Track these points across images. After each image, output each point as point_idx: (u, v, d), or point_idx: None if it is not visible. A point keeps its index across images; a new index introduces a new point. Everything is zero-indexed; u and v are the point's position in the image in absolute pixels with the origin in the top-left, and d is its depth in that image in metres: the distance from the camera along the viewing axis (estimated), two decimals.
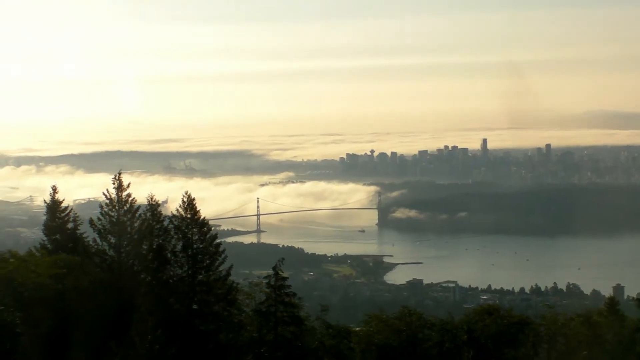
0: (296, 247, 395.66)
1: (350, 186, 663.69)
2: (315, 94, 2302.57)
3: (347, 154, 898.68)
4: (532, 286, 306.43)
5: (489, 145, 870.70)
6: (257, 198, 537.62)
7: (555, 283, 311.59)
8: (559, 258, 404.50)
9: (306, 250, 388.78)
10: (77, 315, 62.38)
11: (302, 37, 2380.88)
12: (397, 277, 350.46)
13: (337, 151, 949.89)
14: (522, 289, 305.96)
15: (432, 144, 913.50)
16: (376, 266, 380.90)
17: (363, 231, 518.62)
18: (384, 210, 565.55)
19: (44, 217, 77.85)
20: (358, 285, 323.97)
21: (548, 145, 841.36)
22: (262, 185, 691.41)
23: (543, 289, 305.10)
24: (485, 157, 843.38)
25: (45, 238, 76.03)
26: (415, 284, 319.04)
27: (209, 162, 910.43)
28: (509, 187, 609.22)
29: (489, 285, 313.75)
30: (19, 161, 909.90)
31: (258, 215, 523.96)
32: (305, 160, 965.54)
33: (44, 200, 79.36)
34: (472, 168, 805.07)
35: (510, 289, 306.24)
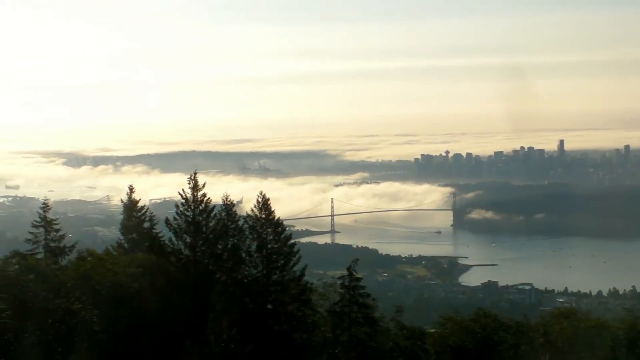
0: (370, 247, 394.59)
1: (424, 187, 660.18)
2: (390, 94, 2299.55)
3: (422, 155, 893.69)
4: (609, 289, 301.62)
5: (566, 146, 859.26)
6: (332, 198, 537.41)
7: (633, 286, 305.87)
8: (637, 261, 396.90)
9: (380, 251, 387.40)
10: (153, 314, 62.95)
11: (378, 37, 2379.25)
12: (472, 279, 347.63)
13: (411, 152, 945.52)
14: (599, 292, 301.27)
15: (508, 145, 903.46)
16: (451, 267, 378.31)
17: (439, 232, 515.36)
18: (458, 211, 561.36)
19: (121, 217, 78.73)
20: (432, 287, 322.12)
21: (627, 146, 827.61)
22: (337, 185, 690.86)
23: (621, 292, 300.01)
24: (562, 158, 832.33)
25: (122, 237, 76.93)
26: (490, 286, 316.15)
27: (283, 162, 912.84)
28: (586, 189, 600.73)
29: (566, 288, 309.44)
30: (96, 161, 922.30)
31: (332, 215, 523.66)
32: (379, 160, 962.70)
33: (121, 200, 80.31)
34: (549, 169, 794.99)
35: (587, 291, 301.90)
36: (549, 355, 64.99)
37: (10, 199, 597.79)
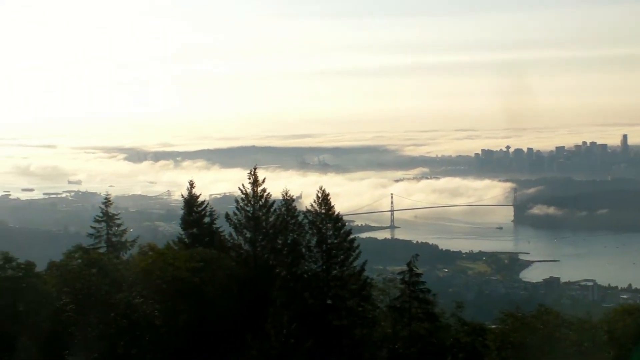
0: (430, 243, 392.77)
1: (485, 182, 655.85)
2: (450, 88, 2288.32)
3: (482, 150, 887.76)
4: None
5: (630, 141, 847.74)
6: (391, 194, 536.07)
7: None
8: None
9: (440, 247, 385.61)
10: (214, 309, 63.23)
11: (437, 31, 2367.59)
12: (533, 275, 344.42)
13: (472, 147, 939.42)
14: None
15: (570, 140, 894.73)
16: (512, 263, 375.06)
17: (501, 228, 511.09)
18: (519, 206, 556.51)
19: (181, 212, 79.26)
20: (493, 283, 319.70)
21: None
22: (396, 180, 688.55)
23: None
24: (626, 153, 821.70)
25: (182, 232, 77.44)
26: (551, 282, 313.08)
27: (343, 158, 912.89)
28: None
29: (629, 285, 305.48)
30: (157, 156, 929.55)
31: (392, 211, 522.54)
32: (439, 156, 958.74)
33: (182, 195, 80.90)
34: (612, 164, 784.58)
35: None
36: (612, 353, 63.96)
37: (72, 194, 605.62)
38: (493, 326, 69.41)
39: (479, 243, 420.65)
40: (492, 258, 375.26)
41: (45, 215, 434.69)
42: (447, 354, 63.32)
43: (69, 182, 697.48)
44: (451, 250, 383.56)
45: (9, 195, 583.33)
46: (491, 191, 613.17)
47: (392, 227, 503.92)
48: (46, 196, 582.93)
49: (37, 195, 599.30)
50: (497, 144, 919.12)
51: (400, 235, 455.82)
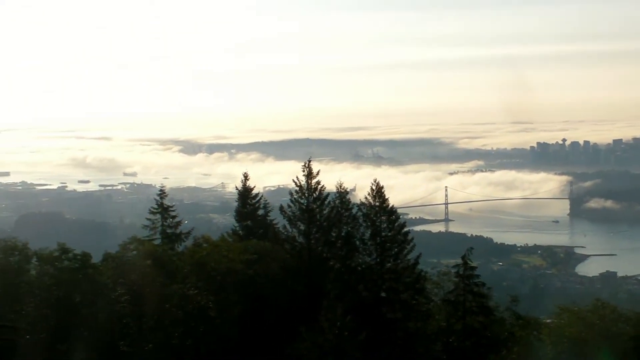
0: (485, 236, 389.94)
1: (541, 175, 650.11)
2: (507, 81, 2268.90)
3: (538, 143, 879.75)
4: None
5: None
6: (445, 187, 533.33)
7: None
8: None
9: (495, 240, 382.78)
10: (268, 301, 63.36)
11: (493, 24, 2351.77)
12: (589, 269, 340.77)
13: (527, 140, 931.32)
14: None
15: (628, 132, 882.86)
16: (567, 257, 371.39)
17: (557, 222, 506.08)
18: (576, 200, 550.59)
19: (236, 204, 79.50)
20: (548, 277, 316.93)
21: None
22: (451, 173, 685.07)
23: None
24: None
25: (236, 224, 77.72)
26: (608, 276, 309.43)
27: (397, 150, 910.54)
28: None
29: None
30: (211, 149, 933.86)
31: (446, 203, 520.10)
32: (494, 148, 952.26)
33: (236, 187, 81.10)
34: None
35: None
36: None
37: (128, 185, 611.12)
38: (548, 320, 68.85)
39: (534, 236, 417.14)
40: (548, 252, 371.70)
41: (100, 207, 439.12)
42: (502, 347, 62.85)
43: (125, 174, 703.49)
44: (506, 243, 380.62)
45: (66, 187, 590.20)
46: (547, 184, 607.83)
47: (446, 220, 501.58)
48: (102, 188, 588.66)
49: (93, 187, 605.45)
50: (553, 137, 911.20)
51: (454, 228, 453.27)
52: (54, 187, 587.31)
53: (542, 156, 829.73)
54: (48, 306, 60.41)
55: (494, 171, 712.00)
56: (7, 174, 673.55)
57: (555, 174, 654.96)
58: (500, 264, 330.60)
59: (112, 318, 60.93)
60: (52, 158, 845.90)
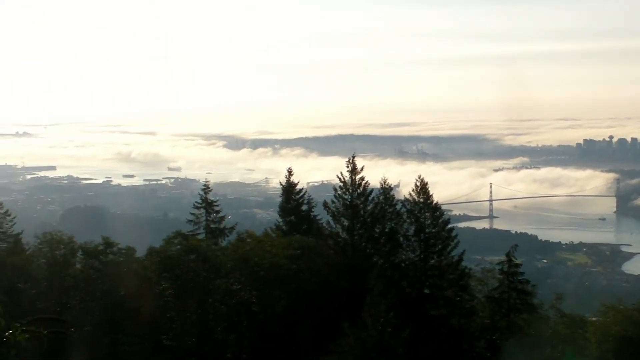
0: (529, 233, 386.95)
1: (587, 172, 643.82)
2: (552, 77, 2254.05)
3: (584, 140, 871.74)
4: None
5: None
6: (490, 183, 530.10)
7: None
8: None
9: (540, 237, 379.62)
10: (311, 296, 63.33)
11: (540, 19, 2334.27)
12: (635, 267, 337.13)
13: (573, 137, 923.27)
14: None
15: None
16: (613, 255, 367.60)
17: (603, 219, 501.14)
18: (622, 197, 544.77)
19: (279, 199, 79.71)
20: (594, 274, 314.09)
21: None
22: (496, 170, 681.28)
23: None
24: None
25: (280, 219, 77.83)
26: None
27: (442, 146, 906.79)
28: None
29: None
30: (255, 144, 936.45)
31: (490, 200, 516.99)
32: (540, 145, 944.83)
33: (280, 182, 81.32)
34: None
35: None
36: None
37: (172, 180, 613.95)
38: (593, 318, 68.09)
39: (579, 234, 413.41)
40: (593, 249, 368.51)
41: (145, 201, 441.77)
42: (546, 345, 62.30)
43: (169, 169, 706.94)
44: (551, 240, 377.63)
45: (111, 181, 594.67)
46: (593, 181, 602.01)
47: (490, 216, 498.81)
48: (146, 182, 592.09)
49: (137, 181, 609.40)
50: (599, 134, 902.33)
51: (499, 225, 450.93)
52: (99, 181, 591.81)
53: (589, 153, 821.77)
54: (93, 299, 60.90)
55: (539, 168, 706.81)
56: (53, 168, 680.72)
57: (602, 171, 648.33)
58: (545, 261, 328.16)
59: (155, 312, 61.25)
60: (98, 152, 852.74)
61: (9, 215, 72.25)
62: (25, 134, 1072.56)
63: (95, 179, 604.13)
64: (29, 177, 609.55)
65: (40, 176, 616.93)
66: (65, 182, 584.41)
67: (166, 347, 62.41)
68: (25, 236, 70.98)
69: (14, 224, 72.19)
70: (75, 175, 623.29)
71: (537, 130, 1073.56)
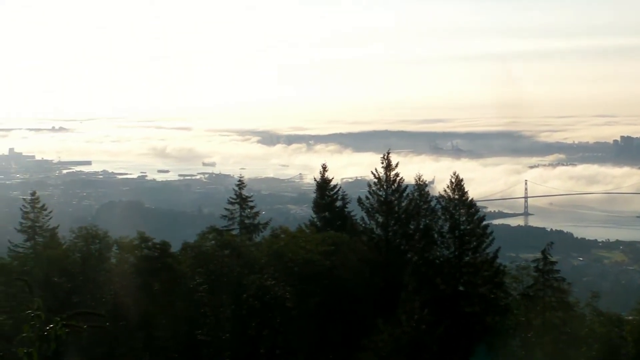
0: (565, 231, 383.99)
1: (624, 170, 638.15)
2: (589, 73, 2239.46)
3: (621, 137, 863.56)
4: None
5: None
6: (525, 180, 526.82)
7: None
8: None
9: (575, 235, 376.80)
10: (345, 292, 63.23)
11: (577, 14, 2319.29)
12: None
13: (610, 133, 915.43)
14: None
15: None
16: None
17: None
18: None
19: (313, 195, 79.61)
20: (630, 273, 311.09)
21: None
22: (531, 167, 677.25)
23: None
24: None
25: (314, 215, 77.78)
26: None
27: (476, 143, 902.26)
28: None
29: None
30: (289, 139, 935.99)
31: (526, 197, 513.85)
32: (576, 142, 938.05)
33: (314, 178, 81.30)
34: None
35: None
36: None
37: (206, 175, 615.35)
38: (630, 317, 67.55)
39: (616, 232, 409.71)
40: (630, 247, 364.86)
41: (179, 197, 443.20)
42: (582, 344, 61.85)
43: (204, 164, 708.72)
44: (587, 238, 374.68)
45: (146, 176, 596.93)
46: (630, 179, 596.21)
47: (525, 214, 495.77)
48: (181, 177, 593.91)
49: (172, 176, 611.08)
50: (637, 131, 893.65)
51: (534, 222, 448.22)
52: (134, 176, 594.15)
53: (626, 150, 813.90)
54: (127, 294, 61.08)
55: (575, 165, 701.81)
56: (88, 163, 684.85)
57: (639, 168, 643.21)
58: (581, 259, 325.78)
59: (190, 307, 61.44)
60: (133, 148, 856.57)
61: (45, 210, 72.71)
62: (61, 129, 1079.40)
63: (130, 174, 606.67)
64: (64, 171, 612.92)
65: (76, 171, 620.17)
66: (101, 177, 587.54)
67: (200, 342, 62.61)
68: (61, 230, 71.33)
69: (50, 219, 72.66)
70: (110, 170, 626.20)
71: (574, 127, 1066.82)
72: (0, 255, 66.58)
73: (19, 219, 73.06)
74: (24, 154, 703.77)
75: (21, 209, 73.45)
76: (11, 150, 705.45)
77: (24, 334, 8.05)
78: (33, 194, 74.91)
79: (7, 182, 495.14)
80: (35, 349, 7.98)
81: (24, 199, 75.62)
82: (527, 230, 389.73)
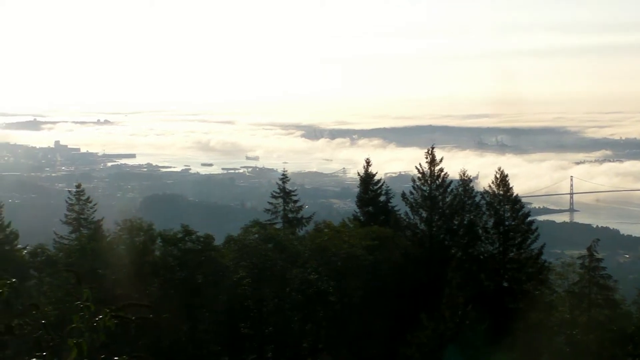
0: (611, 227, 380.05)
1: None
2: (637, 69, 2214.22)
3: None
4: None
5: None
6: (571, 176, 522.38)
7: None
8: None
9: (622, 232, 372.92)
10: (388, 287, 63.10)
11: (625, 10, 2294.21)
12: None
13: None
14: None
15: None
16: None
17: None
18: None
19: (357, 189, 79.55)
20: None
21: None
22: (577, 163, 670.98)
23: None
24: None
25: (357, 210, 77.66)
26: None
27: (521, 139, 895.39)
28: None
29: None
30: (333, 134, 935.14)
31: (571, 193, 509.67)
32: (623, 138, 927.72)
33: (357, 173, 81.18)
34: None
35: None
36: None
37: (250, 169, 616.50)
38: None
39: None
40: None
41: (223, 190, 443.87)
42: (628, 342, 61.17)
43: (247, 158, 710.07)
44: (633, 235, 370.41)
45: (189, 169, 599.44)
46: None
47: (571, 210, 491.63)
48: (224, 171, 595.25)
49: (215, 170, 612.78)
50: None
51: (579, 219, 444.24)
52: (178, 169, 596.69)
53: None
54: (171, 286, 61.39)
55: (622, 161, 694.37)
56: (133, 156, 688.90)
57: None
58: (627, 256, 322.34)
59: (233, 300, 61.58)
60: (177, 141, 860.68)
61: (90, 202, 73.29)
62: (106, 122, 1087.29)
63: (174, 167, 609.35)
64: (109, 164, 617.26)
65: (121, 164, 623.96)
66: (145, 170, 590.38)
67: (243, 336, 62.81)
68: (106, 223, 71.90)
69: (94, 211, 73.24)
70: (154, 164, 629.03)
71: (621, 123, 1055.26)
72: (46, 246, 67.18)
73: (64, 211, 73.71)
74: (69, 146, 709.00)
75: (66, 201, 74.08)
76: (57, 142, 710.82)
77: (74, 325, 8.05)
78: (78, 186, 75.53)
79: (53, 175, 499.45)
80: (84, 340, 7.99)
81: (69, 191, 76.31)
82: (572, 226, 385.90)
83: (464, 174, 71.23)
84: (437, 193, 69.39)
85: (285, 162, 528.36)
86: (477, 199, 69.55)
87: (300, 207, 78.95)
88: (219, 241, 67.33)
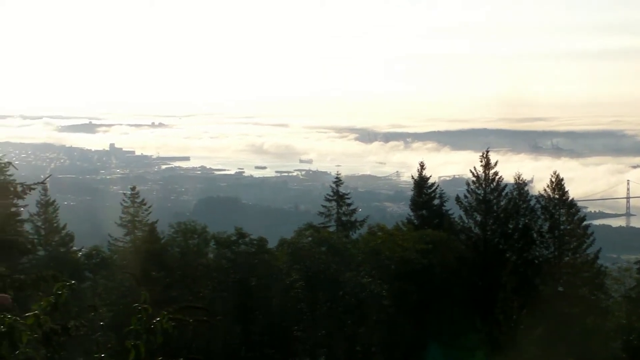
0: None
1: None
2: None
3: None
4: None
5: None
6: (628, 180, 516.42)
7: None
8: None
9: None
10: (442, 291, 62.83)
11: None
12: None
13: None
14: None
15: None
16: None
17: None
18: None
19: (410, 193, 79.32)
20: None
21: None
22: (634, 167, 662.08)
23: None
24: None
25: (411, 213, 77.42)
26: None
27: (577, 142, 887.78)
28: None
29: None
30: (387, 137, 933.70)
31: (628, 197, 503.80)
32: None
33: (411, 176, 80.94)
34: None
35: None
36: None
37: (303, 172, 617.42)
38: None
39: None
40: None
41: (276, 193, 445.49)
42: None
43: (300, 161, 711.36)
44: None
45: (243, 172, 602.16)
46: None
47: (628, 214, 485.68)
48: (278, 174, 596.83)
49: (269, 173, 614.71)
50: None
51: (636, 223, 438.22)
52: (232, 172, 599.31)
53: None
54: (225, 289, 61.68)
55: None
56: (187, 158, 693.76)
57: None
58: None
59: (286, 303, 61.69)
60: (231, 144, 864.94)
61: (145, 205, 73.74)
62: (160, 124, 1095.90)
63: (228, 170, 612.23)
64: (163, 167, 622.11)
65: (175, 166, 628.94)
66: (199, 172, 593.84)
67: (296, 338, 62.88)
68: (160, 225, 72.29)
69: (149, 213, 73.67)
70: (208, 166, 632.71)
71: None
72: (100, 249, 67.83)
73: (119, 214, 74.27)
74: (124, 149, 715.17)
75: (121, 204, 74.61)
76: (112, 145, 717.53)
77: (131, 327, 8.09)
78: (133, 188, 76.06)
79: (108, 177, 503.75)
80: (142, 342, 8.01)
81: (124, 194, 76.82)
82: (629, 231, 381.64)
83: (518, 178, 70.83)
84: (491, 197, 69.03)
85: (339, 165, 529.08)
86: (532, 202, 69.15)
87: (354, 210, 78.87)
88: (272, 244, 67.48)
